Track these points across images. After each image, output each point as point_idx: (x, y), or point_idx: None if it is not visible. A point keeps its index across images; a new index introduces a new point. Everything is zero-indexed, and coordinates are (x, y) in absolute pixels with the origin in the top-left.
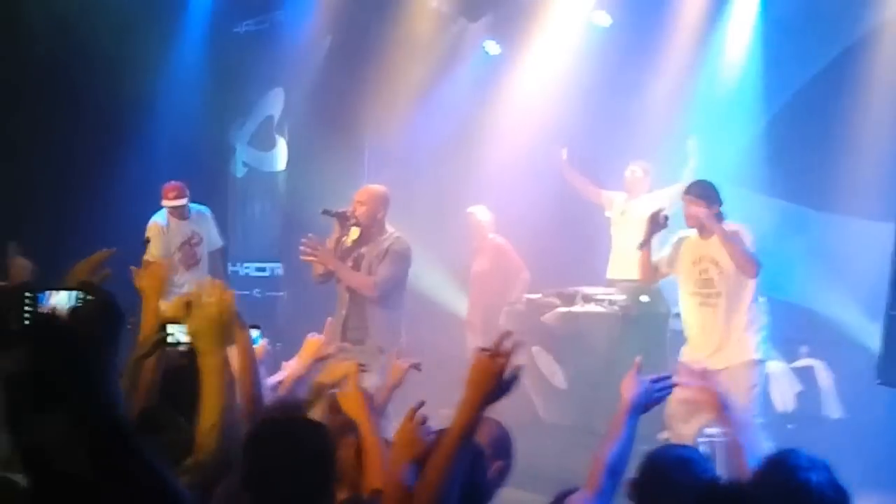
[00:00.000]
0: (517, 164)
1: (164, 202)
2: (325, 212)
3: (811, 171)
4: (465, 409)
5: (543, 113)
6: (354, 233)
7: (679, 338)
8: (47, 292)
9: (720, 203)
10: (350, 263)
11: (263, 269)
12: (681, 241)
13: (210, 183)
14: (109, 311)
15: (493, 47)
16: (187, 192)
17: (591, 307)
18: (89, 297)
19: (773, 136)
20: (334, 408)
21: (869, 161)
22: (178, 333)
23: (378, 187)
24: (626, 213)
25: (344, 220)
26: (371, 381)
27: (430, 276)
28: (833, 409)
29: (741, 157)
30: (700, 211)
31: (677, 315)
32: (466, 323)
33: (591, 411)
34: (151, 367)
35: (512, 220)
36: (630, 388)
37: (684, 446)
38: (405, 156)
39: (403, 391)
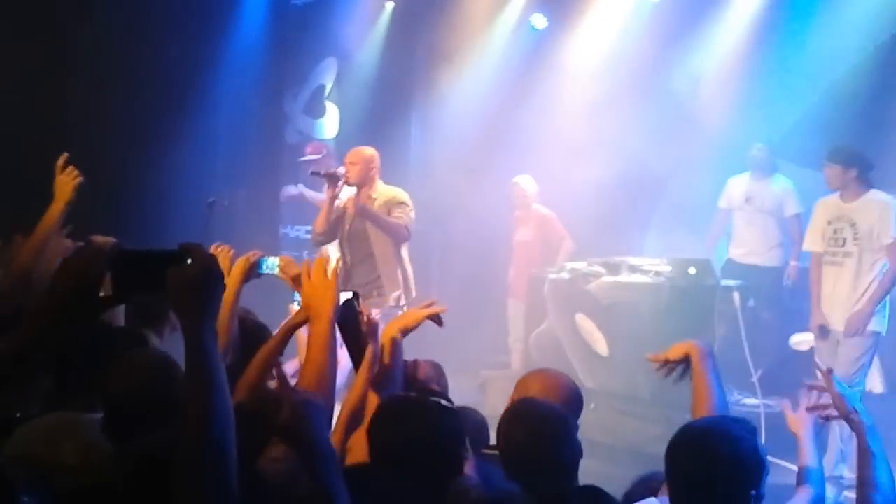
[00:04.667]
0: (562, 136)
1: None
2: (315, 172)
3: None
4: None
5: (588, 86)
6: (348, 193)
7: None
8: None
9: (859, 166)
10: (348, 224)
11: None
12: (820, 203)
13: (264, 149)
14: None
15: (539, 21)
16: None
17: (638, 277)
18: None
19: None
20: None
21: None
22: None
23: (368, 148)
24: (751, 199)
25: (334, 180)
26: None
27: (471, 245)
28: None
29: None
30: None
31: (728, 288)
32: (509, 289)
33: (633, 379)
34: None
35: (556, 191)
36: (802, 425)
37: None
38: (451, 125)
39: (430, 348)
